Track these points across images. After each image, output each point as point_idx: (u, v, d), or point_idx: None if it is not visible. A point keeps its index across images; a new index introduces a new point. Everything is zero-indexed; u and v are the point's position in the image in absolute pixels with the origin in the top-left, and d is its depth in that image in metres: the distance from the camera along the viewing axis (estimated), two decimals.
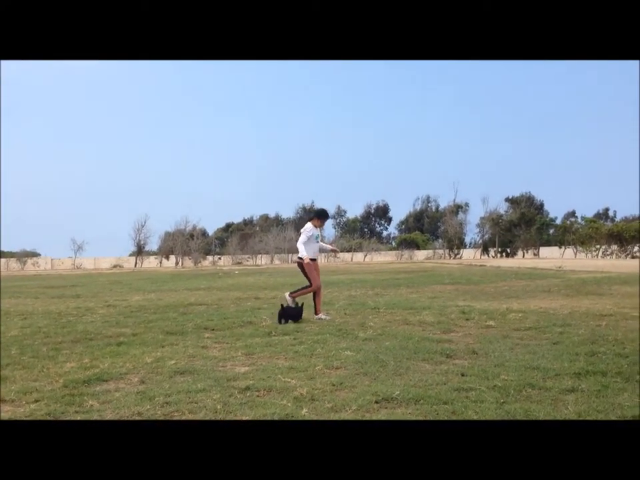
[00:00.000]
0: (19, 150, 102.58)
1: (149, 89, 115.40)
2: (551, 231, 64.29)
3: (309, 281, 9.26)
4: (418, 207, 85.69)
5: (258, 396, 4.52)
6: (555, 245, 61.46)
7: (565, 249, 58.74)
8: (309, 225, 9.52)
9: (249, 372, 5.36)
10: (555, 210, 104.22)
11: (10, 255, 69.64)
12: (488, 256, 62.37)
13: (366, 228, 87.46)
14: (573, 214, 71.95)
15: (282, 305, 8.81)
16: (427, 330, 7.59)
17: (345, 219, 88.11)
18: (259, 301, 12.41)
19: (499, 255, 61.88)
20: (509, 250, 63.13)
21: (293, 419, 3.90)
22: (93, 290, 18.46)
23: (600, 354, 5.66)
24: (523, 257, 59.48)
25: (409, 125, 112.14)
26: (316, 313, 9.20)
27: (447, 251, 63.81)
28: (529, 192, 71.13)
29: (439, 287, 15.54)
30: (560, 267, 25.43)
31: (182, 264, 62.06)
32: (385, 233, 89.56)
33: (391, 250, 70.40)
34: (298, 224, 74.79)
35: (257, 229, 74.93)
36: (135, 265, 62.11)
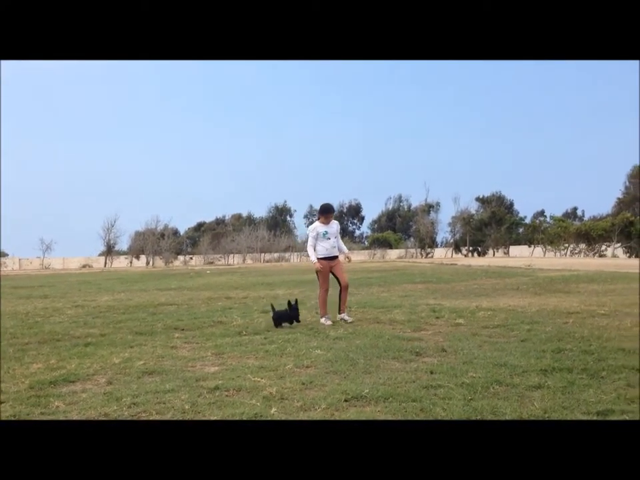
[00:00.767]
0: None
1: (121, 87, 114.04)
2: (521, 230, 65.01)
3: (319, 284, 8.88)
4: (390, 206, 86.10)
5: (227, 395, 4.51)
6: (525, 244, 62.21)
7: (534, 247, 59.48)
8: (314, 224, 9.10)
9: (218, 372, 5.34)
10: (525, 209, 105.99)
11: None
12: (459, 254, 62.93)
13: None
14: (542, 213, 72.92)
15: (272, 307, 8.36)
16: (397, 328, 7.64)
17: (317, 219, 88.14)
18: (230, 301, 12.36)
19: (469, 254, 62.48)
20: (479, 249, 63.76)
21: (262, 418, 3.89)
22: (61, 290, 18.19)
23: (566, 351, 5.75)
24: (494, 255, 60.12)
25: (380, 125, 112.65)
26: (320, 316, 8.77)
27: (419, 250, 64.20)
28: (499, 191, 72.05)
29: (411, 286, 15.63)
30: (529, 266, 25.76)
31: (153, 264, 61.48)
32: (357, 232, 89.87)
33: (363, 249, 70.53)
34: (270, 223, 74.80)
35: (230, 228, 74.50)
36: (105, 265, 61.37)
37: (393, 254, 66.21)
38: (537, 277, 17.89)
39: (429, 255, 62.53)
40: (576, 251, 54.15)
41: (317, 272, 8.91)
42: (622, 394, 4.20)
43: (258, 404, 4.21)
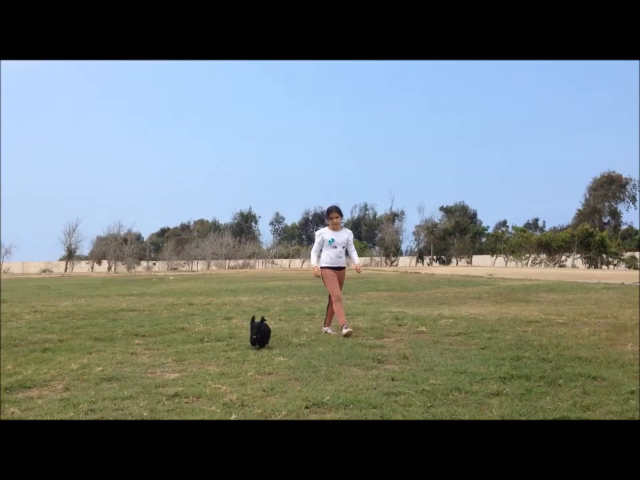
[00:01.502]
0: None
1: (79, 87, 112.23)
2: (484, 240, 65.92)
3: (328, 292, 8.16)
4: (356, 215, 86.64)
5: (187, 402, 4.46)
6: (487, 254, 63.09)
7: (497, 257, 60.36)
8: (322, 229, 8.36)
9: (178, 378, 5.28)
10: (488, 219, 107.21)
11: None
12: (423, 263, 63.48)
13: (304, 235, 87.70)
14: (504, 223, 74.15)
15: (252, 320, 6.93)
16: (360, 336, 7.66)
17: (283, 226, 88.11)
18: (193, 307, 12.24)
19: (433, 263, 63.07)
20: (443, 257, 64.44)
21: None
22: (19, 295, 17.78)
23: (525, 359, 5.84)
24: (457, 264, 60.80)
25: (347, 133, 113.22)
26: (324, 324, 8.30)
27: (384, 258, 64.60)
28: (463, 201, 73.00)
29: (375, 294, 15.70)
30: (491, 275, 26.13)
31: (115, 269, 60.61)
32: None
33: None
34: (235, 230, 74.37)
35: (195, 234, 73.90)
36: (65, 270, 60.21)
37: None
38: (498, 286, 18.15)
39: (394, 264, 62.92)
40: (537, 261, 55.11)
41: (322, 279, 8.22)
42: (578, 401, 4.28)
43: (218, 411, 4.18)
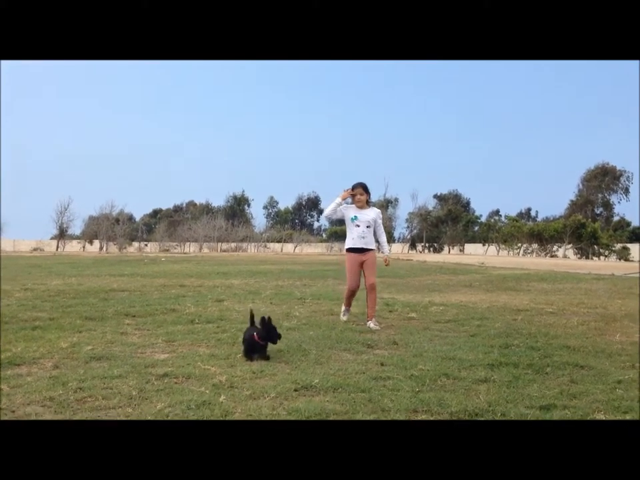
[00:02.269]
0: None
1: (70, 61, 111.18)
2: (476, 229, 66.07)
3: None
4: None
5: (176, 382, 4.47)
6: (479, 242, 63.25)
7: (489, 246, 60.54)
8: (348, 205, 7.54)
9: (168, 359, 5.28)
10: (480, 208, 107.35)
11: None
12: (415, 251, 63.59)
13: (297, 219, 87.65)
14: (497, 212, 74.44)
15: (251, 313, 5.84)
16: (350, 321, 7.68)
17: (276, 210, 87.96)
18: (184, 289, 12.23)
19: (426, 250, 63.20)
20: (435, 245, 64.58)
21: (210, 406, 3.87)
22: (10, 273, 17.70)
23: (513, 346, 5.88)
24: (449, 252, 60.95)
25: (341, 120, 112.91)
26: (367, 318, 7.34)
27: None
28: (456, 190, 73.05)
29: None
30: (482, 263, 26.23)
31: (106, 249, 60.41)
32: (315, 225, 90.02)
33: (321, 242, 70.67)
34: (228, 213, 74.16)
35: (188, 216, 73.61)
36: (57, 249, 59.93)
37: None
38: (489, 274, 18.23)
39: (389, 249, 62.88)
40: (528, 251, 55.33)
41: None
42: (565, 389, 4.31)
43: (207, 391, 4.19)
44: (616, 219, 65.97)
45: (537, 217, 78.65)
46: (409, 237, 66.99)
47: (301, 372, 4.78)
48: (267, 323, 5.44)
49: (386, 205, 67.21)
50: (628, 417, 3.69)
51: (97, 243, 63.79)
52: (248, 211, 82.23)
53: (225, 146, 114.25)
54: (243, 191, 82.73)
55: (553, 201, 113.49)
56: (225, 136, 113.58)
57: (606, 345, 6.10)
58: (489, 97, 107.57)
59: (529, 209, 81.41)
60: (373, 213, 7.54)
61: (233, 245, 63.67)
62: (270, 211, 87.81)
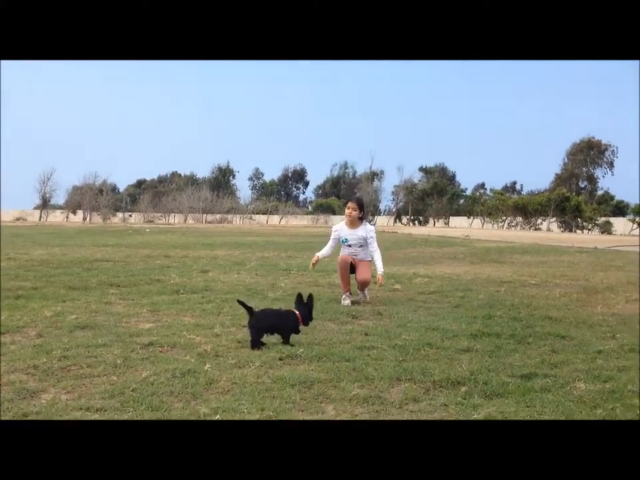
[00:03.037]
0: None
1: None
2: (461, 202, 66.18)
3: None
4: (335, 173, 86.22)
5: (161, 351, 4.48)
6: (465, 215, 63.42)
7: (474, 219, 60.73)
8: (339, 224, 7.57)
9: (153, 328, 5.29)
10: (466, 181, 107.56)
11: None
12: (401, 223, 63.72)
13: (283, 191, 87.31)
14: (482, 186, 74.47)
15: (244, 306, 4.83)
16: (335, 292, 7.70)
17: (261, 182, 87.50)
18: (169, 259, 12.19)
19: (411, 223, 63.37)
20: (421, 218, 64.71)
21: (196, 374, 3.88)
22: None
23: (496, 317, 5.94)
24: (434, 225, 61.10)
25: (328, 92, 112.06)
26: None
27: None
28: (442, 163, 72.99)
29: None
30: (467, 236, 26.38)
31: (90, 220, 59.90)
32: (301, 197, 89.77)
33: (307, 214, 70.58)
34: (213, 184, 73.69)
35: (173, 187, 72.99)
36: (40, 219, 59.33)
37: (336, 220, 66.32)
38: (474, 247, 18.34)
39: (372, 223, 63.04)
40: (513, 224, 55.61)
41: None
42: (546, 359, 4.39)
43: (192, 360, 4.21)
44: (600, 192, 66.35)
45: (522, 190, 78.95)
46: (394, 209, 67.07)
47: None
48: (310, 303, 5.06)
49: (372, 177, 67.17)
50: (607, 386, 3.76)
51: (80, 213, 63.18)
52: (233, 183, 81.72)
53: (210, 118, 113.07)
54: (228, 162, 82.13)
55: (538, 174, 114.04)
56: (210, 107, 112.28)
57: (587, 316, 6.18)
58: (476, 69, 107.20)
59: (514, 183, 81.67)
60: (363, 232, 7.26)
61: (218, 216, 63.37)
62: (255, 182, 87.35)
